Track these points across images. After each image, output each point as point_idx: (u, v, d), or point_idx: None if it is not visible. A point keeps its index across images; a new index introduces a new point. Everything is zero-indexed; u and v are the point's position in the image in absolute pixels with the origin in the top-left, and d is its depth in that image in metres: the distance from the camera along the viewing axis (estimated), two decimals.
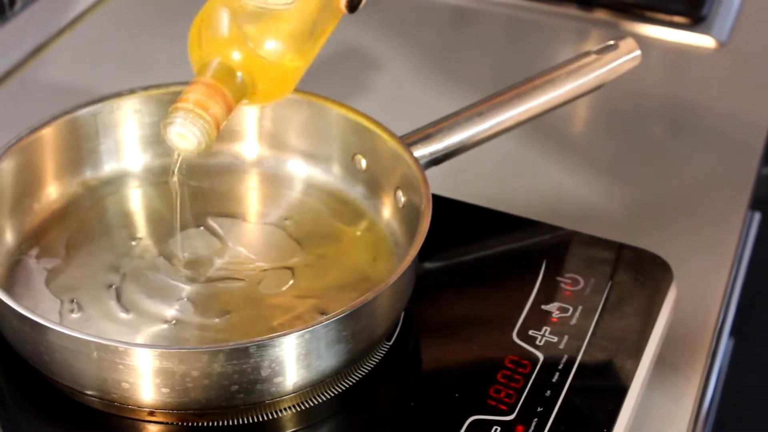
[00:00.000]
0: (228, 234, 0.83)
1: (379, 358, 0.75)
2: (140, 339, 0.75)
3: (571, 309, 0.79)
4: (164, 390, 0.68)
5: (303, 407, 0.72)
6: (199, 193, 0.87)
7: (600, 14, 1.18)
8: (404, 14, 1.18)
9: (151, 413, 0.70)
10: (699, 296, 0.87)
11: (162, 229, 0.84)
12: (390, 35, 1.15)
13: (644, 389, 0.77)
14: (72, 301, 0.77)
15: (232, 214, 0.85)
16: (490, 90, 0.87)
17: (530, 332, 0.77)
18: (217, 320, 0.76)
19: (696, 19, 1.17)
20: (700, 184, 0.98)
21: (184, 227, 0.83)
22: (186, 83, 0.87)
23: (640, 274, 0.82)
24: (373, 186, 0.85)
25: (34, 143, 0.82)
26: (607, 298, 0.80)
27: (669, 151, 1.01)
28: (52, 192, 0.84)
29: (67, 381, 0.71)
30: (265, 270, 0.80)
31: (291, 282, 0.80)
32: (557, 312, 0.78)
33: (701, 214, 0.95)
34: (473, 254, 0.84)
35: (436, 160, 0.83)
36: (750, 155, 1.01)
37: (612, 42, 0.89)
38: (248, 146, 0.89)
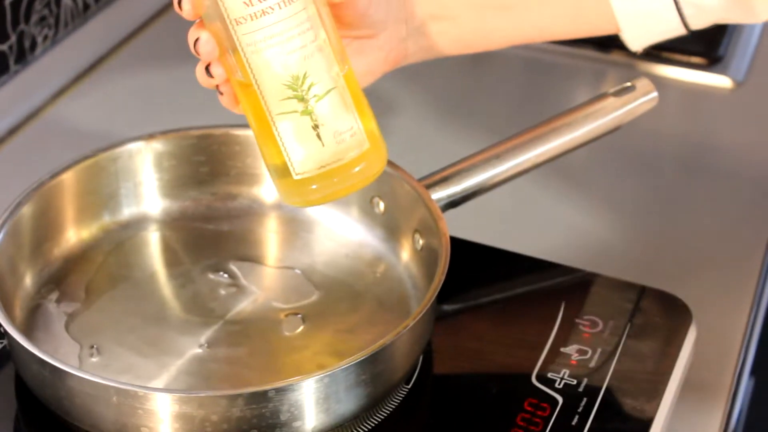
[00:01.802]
0: (247, 277, 0.83)
1: (398, 401, 0.75)
2: (159, 383, 0.75)
3: (590, 351, 0.78)
4: None
5: None
6: (218, 237, 0.87)
7: (616, 55, 1.18)
8: None
9: None
10: (719, 336, 0.86)
11: (180, 272, 0.84)
12: (407, 77, 1.15)
13: (665, 431, 0.76)
14: (92, 345, 0.77)
15: (251, 257, 0.85)
16: (508, 132, 0.87)
17: (549, 375, 0.77)
18: (235, 362, 0.76)
19: (712, 60, 1.17)
20: (718, 224, 0.98)
21: (203, 271, 0.84)
22: (204, 127, 0.88)
23: (659, 315, 0.82)
24: (392, 228, 0.85)
25: (55, 188, 0.83)
26: (626, 340, 0.79)
27: (687, 192, 1.01)
28: (72, 236, 0.84)
29: (87, 425, 0.71)
30: (283, 313, 0.81)
31: (309, 324, 0.80)
32: (576, 354, 0.78)
33: (720, 254, 0.94)
34: (492, 296, 0.84)
35: (454, 203, 0.83)
36: (767, 194, 1.01)
37: (629, 84, 0.89)
38: (267, 189, 0.89)
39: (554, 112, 0.88)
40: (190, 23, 0.72)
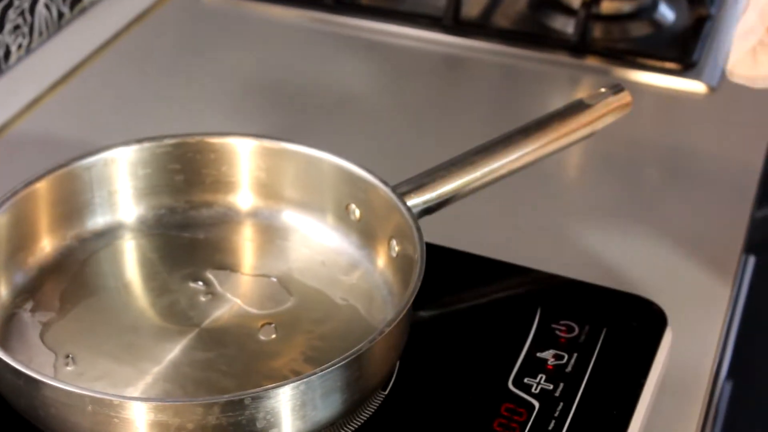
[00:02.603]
0: (223, 285, 0.83)
1: (375, 407, 0.75)
2: (136, 392, 0.75)
3: (566, 356, 0.79)
4: None
5: None
6: (194, 245, 0.87)
7: (591, 61, 1.19)
8: (396, 63, 1.19)
9: None
10: (695, 340, 0.87)
11: (156, 280, 0.84)
12: (382, 84, 1.15)
13: None
14: (67, 355, 0.77)
15: (227, 265, 0.85)
16: (483, 138, 0.87)
17: (526, 380, 0.77)
18: (211, 370, 0.76)
19: (687, 65, 1.17)
20: (693, 228, 0.98)
21: (179, 279, 0.84)
22: (179, 135, 0.88)
23: (635, 320, 0.82)
24: (367, 235, 0.85)
25: (29, 197, 0.82)
26: (602, 345, 0.80)
27: (662, 196, 1.02)
28: (46, 245, 0.84)
29: None
30: (258, 320, 0.80)
31: (285, 332, 0.80)
32: (552, 359, 0.78)
33: (695, 258, 0.95)
34: (468, 302, 0.84)
35: (430, 209, 0.83)
36: (743, 199, 1.01)
37: (603, 89, 0.89)
38: (242, 197, 0.89)
39: (529, 118, 0.88)
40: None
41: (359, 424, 0.74)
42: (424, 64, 1.19)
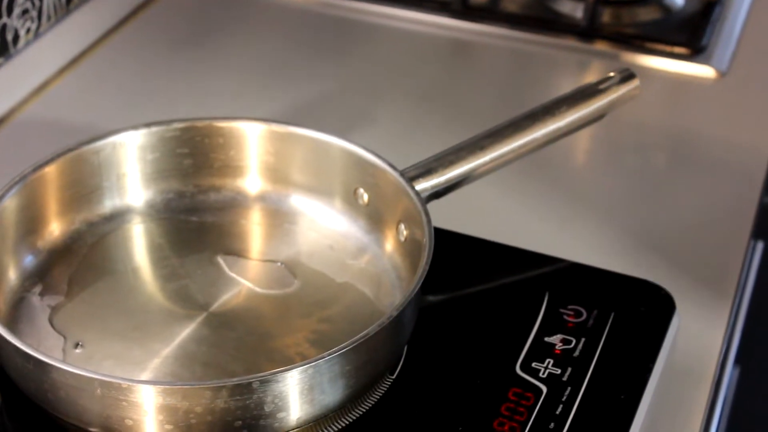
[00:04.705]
0: (231, 269, 0.83)
1: (383, 392, 0.75)
2: (144, 375, 0.75)
3: (573, 341, 0.79)
4: (168, 426, 0.68)
5: None
6: (202, 229, 0.87)
7: (600, 46, 1.19)
8: (405, 48, 1.19)
9: None
10: (702, 326, 0.87)
11: (164, 264, 0.84)
12: (391, 69, 1.15)
13: (648, 420, 0.77)
14: (76, 338, 0.77)
15: (235, 249, 0.85)
16: (491, 123, 0.87)
17: (533, 364, 0.77)
18: (219, 354, 0.76)
19: (696, 50, 1.17)
20: (701, 213, 0.98)
21: (187, 263, 0.84)
22: (187, 119, 0.88)
23: (643, 305, 0.82)
24: (375, 220, 0.85)
25: (38, 181, 0.82)
26: (609, 330, 0.80)
27: (670, 181, 1.02)
28: (55, 229, 0.84)
29: (71, 418, 0.71)
30: (266, 304, 0.81)
31: (293, 316, 0.80)
32: (560, 344, 0.78)
33: (703, 243, 0.95)
34: (476, 287, 0.84)
35: (438, 194, 0.84)
36: (751, 184, 1.01)
37: (612, 74, 0.89)
38: (251, 181, 0.89)
39: (537, 103, 0.88)
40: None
41: (367, 408, 0.74)
42: (432, 48, 1.19)
